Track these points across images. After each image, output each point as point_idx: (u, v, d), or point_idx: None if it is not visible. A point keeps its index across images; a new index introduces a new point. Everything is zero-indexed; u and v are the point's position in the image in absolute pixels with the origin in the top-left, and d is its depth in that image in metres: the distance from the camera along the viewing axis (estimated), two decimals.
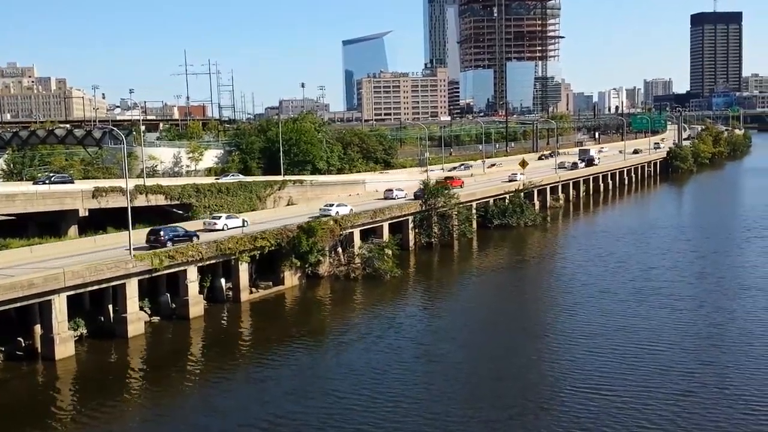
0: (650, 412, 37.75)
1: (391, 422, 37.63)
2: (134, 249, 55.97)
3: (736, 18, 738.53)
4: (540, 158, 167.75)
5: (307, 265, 70.33)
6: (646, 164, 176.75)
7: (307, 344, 52.26)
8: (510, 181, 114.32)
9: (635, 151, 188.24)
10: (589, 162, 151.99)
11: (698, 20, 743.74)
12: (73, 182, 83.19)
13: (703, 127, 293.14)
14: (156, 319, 58.46)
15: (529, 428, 36.74)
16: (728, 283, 66.68)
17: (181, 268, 58.85)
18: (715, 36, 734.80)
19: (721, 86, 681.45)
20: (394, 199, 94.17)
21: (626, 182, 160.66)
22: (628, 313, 56.81)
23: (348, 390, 42.23)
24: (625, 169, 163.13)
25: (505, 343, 51.08)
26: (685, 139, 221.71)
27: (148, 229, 62.70)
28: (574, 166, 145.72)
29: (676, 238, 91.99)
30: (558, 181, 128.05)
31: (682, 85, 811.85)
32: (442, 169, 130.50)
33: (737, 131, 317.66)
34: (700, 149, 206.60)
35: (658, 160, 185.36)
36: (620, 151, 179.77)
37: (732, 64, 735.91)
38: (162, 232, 61.28)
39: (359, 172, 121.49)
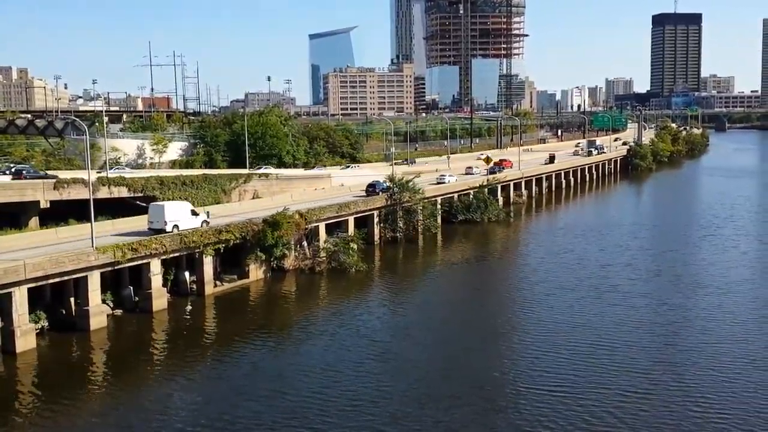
0: (606, 411, 37.76)
1: (346, 422, 37.20)
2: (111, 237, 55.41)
3: (696, 19, 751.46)
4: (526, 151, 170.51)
5: (272, 259, 70.29)
6: (606, 162, 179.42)
7: (268, 339, 52.11)
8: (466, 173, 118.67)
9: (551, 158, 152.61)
10: (600, 150, 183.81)
11: (659, 21, 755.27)
12: (47, 177, 79.94)
13: (662, 126, 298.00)
14: (119, 312, 57.97)
15: (483, 429, 36.36)
16: (684, 280, 67.59)
17: (145, 260, 58.45)
18: (675, 36, 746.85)
19: (681, 86, 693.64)
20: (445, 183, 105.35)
21: (587, 179, 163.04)
22: (585, 311, 57.09)
23: (305, 388, 41.76)
24: (587, 167, 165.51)
25: (463, 342, 50.77)
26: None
27: (109, 221, 61.76)
28: (589, 153, 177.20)
29: (635, 235, 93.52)
30: (521, 178, 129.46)
31: (642, 84, 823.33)
32: (408, 163, 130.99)
33: (695, 130, 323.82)
34: (660, 148, 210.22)
35: (618, 158, 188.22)
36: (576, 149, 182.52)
37: (691, 65, 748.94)
38: None
39: (325, 166, 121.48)
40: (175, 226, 63.24)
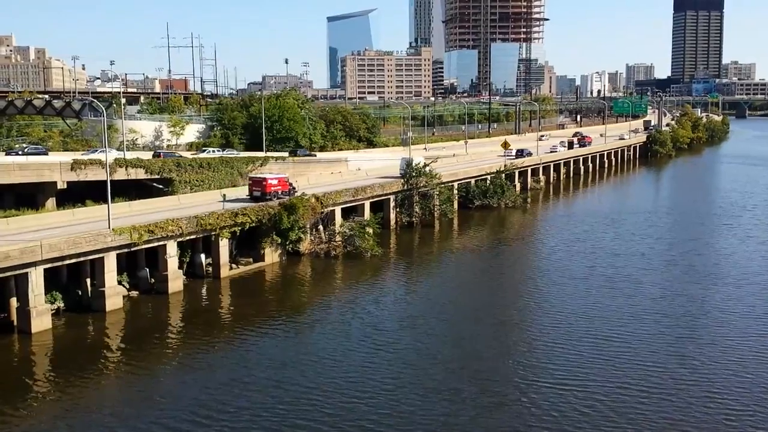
0: (617, 405, 36.99)
1: (349, 414, 36.43)
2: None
3: (718, 5, 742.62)
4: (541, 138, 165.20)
5: (287, 242, 70.19)
6: (626, 148, 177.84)
7: (281, 324, 51.86)
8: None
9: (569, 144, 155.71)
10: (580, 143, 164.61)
11: (681, 6, 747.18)
12: (47, 154, 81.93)
13: (683, 112, 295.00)
14: (134, 293, 58.15)
15: (489, 423, 35.46)
16: (700, 271, 66.50)
17: (161, 243, 58.52)
18: (696, 22, 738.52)
19: (702, 73, 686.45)
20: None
21: (606, 165, 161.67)
22: (598, 301, 56.15)
23: (312, 376, 41.15)
24: (605, 153, 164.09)
25: (473, 332, 49.80)
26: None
27: (126, 203, 62.32)
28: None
29: (651, 223, 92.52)
30: (539, 163, 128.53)
31: (663, 70, 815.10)
32: (425, 149, 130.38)
33: (716, 117, 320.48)
34: (679, 134, 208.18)
35: (638, 144, 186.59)
36: (600, 135, 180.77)
37: (713, 51, 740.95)
38: None
39: (341, 149, 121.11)
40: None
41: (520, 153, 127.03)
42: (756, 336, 47.85)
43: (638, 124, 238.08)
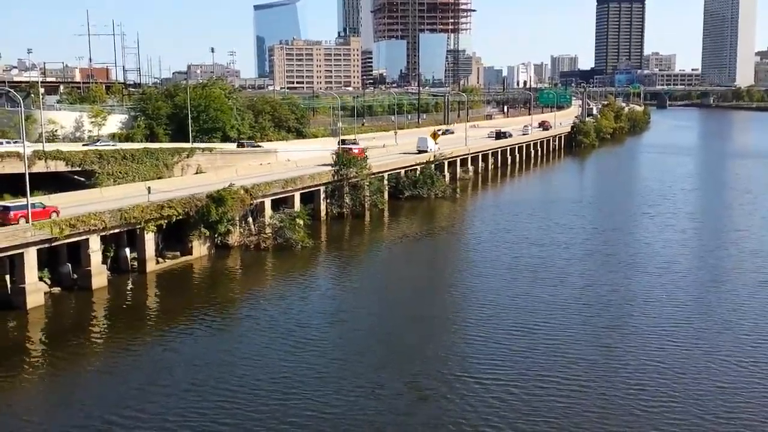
0: (547, 396, 37.35)
1: (273, 416, 35.54)
2: None
3: None
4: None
5: (216, 235, 69.18)
6: (551, 138, 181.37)
7: (208, 319, 50.55)
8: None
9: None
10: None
11: None
12: None
13: (605, 103, 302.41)
14: (56, 290, 56.42)
15: (411, 420, 35.19)
16: (623, 260, 67.64)
17: (83, 237, 56.85)
18: (619, 14, 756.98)
19: (624, 64, 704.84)
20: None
21: (533, 155, 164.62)
22: (524, 291, 56.48)
23: (239, 374, 40.40)
24: (532, 143, 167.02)
25: (400, 326, 49.71)
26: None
27: (46, 197, 60.25)
28: None
29: (575, 213, 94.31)
30: (468, 153, 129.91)
31: (587, 61, 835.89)
32: (355, 140, 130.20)
33: (637, 107, 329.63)
34: (602, 124, 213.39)
35: (563, 135, 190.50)
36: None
37: (635, 42, 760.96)
38: None
39: (270, 140, 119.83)
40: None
41: (503, 134, 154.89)
42: (676, 324, 48.84)
43: (567, 114, 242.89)
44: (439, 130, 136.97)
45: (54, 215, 57.38)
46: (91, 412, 36.07)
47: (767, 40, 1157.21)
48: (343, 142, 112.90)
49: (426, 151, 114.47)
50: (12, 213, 55.10)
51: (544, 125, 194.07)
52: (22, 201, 56.73)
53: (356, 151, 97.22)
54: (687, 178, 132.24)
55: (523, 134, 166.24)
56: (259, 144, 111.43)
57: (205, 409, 36.31)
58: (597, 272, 63.05)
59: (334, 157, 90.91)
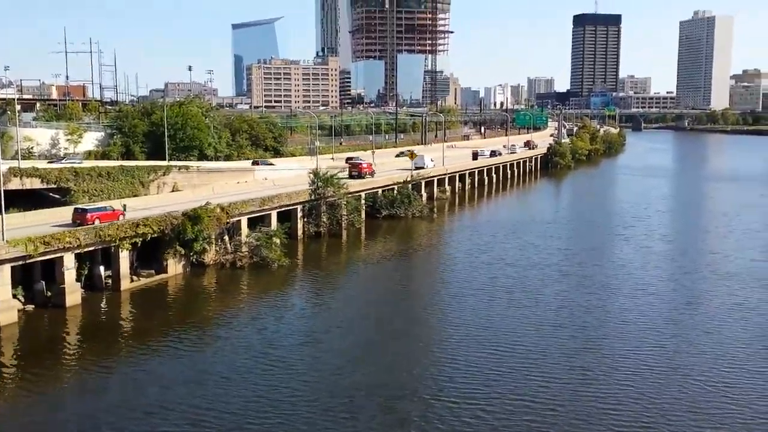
0: (521, 418, 37.34)
1: None
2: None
3: (615, 20, 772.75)
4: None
5: (192, 253, 68.82)
6: (528, 159, 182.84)
7: (179, 341, 49.81)
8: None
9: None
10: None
11: (580, 21, 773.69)
12: None
13: (581, 125, 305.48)
14: (30, 307, 55.83)
15: None
16: (598, 282, 68.29)
17: (58, 254, 56.39)
18: (595, 37, 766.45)
19: (600, 86, 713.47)
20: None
21: (509, 176, 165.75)
22: (499, 313, 56.47)
23: (209, 396, 40.07)
24: (509, 164, 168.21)
25: (374, 347, 49.53)
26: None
27: (21, 214, 59.92)
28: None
29: (553, 234, 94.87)
30: (445, 174, 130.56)
31: (563, 83, 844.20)
32: (332, 158, 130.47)
33: (612, 130, 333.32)
34: (578, 146, 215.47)
35: (539, 156, 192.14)
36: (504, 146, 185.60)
37: (610, 65, 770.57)
38: None
39: (248, 159, 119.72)
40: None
41: (493, 153, 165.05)
42: (650, 347, 49.04)
43: (543, 135, 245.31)
44: (406, 152, 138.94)
45: (121, 217, 65.87)
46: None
47: (743, 63, 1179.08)
48: (350, 158, 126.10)
49: (423, 168, 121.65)
50: (89, 215, 63.67)
51: (529, 145, 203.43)
52: (97, 204, 69.12)
53: (365, 165, 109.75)
54: (662, 200, 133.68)
55: (511, 153, 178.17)
56: (272, 162, 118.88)
57: (174, 429, 35.94)
58: (572, 294, 63.22)
59: (311, 176, 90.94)
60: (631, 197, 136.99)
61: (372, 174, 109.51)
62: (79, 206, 67.12)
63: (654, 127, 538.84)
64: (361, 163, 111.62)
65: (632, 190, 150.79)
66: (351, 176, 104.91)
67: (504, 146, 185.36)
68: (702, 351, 48.28)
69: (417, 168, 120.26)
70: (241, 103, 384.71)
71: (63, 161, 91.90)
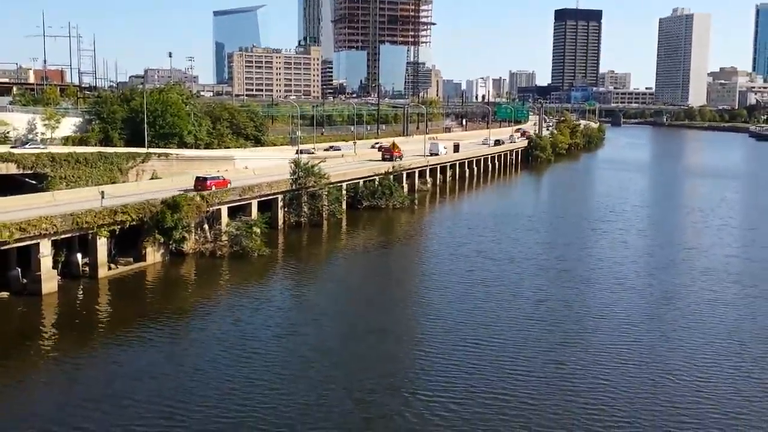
0: (499, 413, 37.41)
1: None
2: None
3: (596, 15, 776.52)
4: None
5: (171, 242, 68.31)
6: (508, 152, 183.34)
7: (156, 332, 49.28)
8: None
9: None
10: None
11: (561, 16, 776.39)
12: None
13: (561, 119, 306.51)
14: (5, 294, 55.15)
15: None
16: (576, 276, 68.46)
17: (34, 241, 55.67)
18: (576, 32, 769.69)
19: (580, 81, 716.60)
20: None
21: (490, 169, 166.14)
22: (480, 307, 56.47)
23: (187, 389, 39.61)
24: (489, 156, 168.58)
25: (354, 340, 49.27)
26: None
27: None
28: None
29: (532, 227, 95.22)
30: (426, 165, 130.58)
31: (544, 78, 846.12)
32: (314, 149, 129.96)
33: (592, 124, 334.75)
34: (558, 140, 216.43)
35: (519, 149, 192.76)
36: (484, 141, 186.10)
37: (591, 60, 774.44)
38: None
39: (228, 147, 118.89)
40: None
41: (497, 142, 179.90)
42: (628, 341, 49.26)
43: (527, 127, 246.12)
44: (377, 143, 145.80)
45: (229, 185, 79.23)
46: (30, 426, 35.23)
47: (720, 60, 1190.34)
48: (377, 143, 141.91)
49: (437, 155, 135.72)
50: (209, 182, 76.66)
51: (525, 134, 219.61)
52: (212, 173, 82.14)
53: (395, 150, 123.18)
54: (639, 195, 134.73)
55: (511, 142, 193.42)
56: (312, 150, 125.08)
57: (146, 424, 35.56)
58: (549, 287, 63.36)
59: (292, 165, 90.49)
60: (609, 191, 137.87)
61: (401, 158, 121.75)
62: (200, 175, 78.89)
63: (633, 122, 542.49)
64: (391, 148, 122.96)
65: (611, 184, 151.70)
66: (383, 159, 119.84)
67: (512, 135, 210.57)
68: (678, 346, 48.60)
69: (432, 154, 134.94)
70: (222, 93, 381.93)
71: (26, 146, 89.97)
